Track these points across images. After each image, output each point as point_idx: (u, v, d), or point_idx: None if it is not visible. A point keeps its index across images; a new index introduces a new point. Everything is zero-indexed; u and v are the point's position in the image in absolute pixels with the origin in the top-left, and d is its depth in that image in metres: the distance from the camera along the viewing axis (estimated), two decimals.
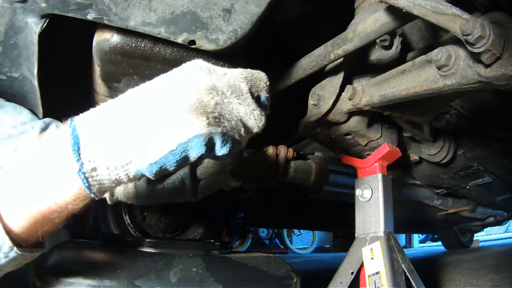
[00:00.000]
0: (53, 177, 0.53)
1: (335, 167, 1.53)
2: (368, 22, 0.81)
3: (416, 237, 7.67)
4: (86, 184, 0.52)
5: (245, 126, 0.56)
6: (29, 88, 0.85)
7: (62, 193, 0.53)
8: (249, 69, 0.60)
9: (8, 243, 0.53)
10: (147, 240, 1.04)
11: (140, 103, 0.54)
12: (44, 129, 0.83)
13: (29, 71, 0.82)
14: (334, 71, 1.03)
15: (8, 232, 0.53)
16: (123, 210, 1.78)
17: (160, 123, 0.51)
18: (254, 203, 2.10)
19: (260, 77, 0.60)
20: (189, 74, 0.55)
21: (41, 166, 0.53)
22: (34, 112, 0.88)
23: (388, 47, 0.97)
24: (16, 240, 0.54)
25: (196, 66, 0.57)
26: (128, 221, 1.79)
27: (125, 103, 0.55)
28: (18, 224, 0.54)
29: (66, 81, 1.02)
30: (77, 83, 0.97)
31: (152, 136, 0.51)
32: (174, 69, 0.58)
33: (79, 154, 0.51)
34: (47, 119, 0.86)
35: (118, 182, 0.54)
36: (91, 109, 0.56)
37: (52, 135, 0.55)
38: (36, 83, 0.82)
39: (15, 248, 0.53)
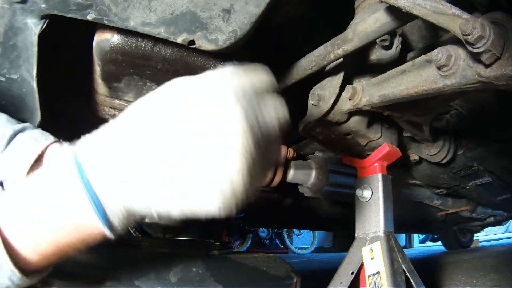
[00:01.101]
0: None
1: (335, 167, 1.53)
2: (368, 22, 0.81)
3: (416, 237, 7.67)
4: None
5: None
6: (27, 90, 0.85)
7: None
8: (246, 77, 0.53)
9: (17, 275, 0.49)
10: (147, 240, 1.04)
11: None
12: (11, 138, 0.76)
13: (28, 72, 0.82)
14: (334, 71, 1.03)
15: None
16: None
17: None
18: (254, 203, 2.10)
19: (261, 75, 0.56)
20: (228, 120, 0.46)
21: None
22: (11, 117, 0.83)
23: (388, 47, 0.97)
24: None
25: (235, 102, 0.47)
26: None
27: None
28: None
29: (66, 80, 1.02)
30: (77, 82, 0.97)
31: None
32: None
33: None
34: (17, 127, 0.79)
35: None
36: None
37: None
38: (35, 84, 0.81)
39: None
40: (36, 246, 0.49)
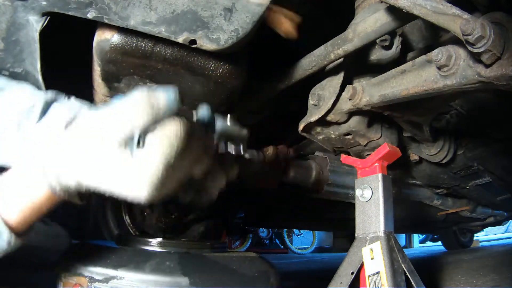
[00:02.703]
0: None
1: (335, 167, 1.53)
2: (368, 22, 0.81)
3: (416, 237, 7.67)
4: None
5: None
6: (33, 83, 0.85)
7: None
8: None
9: (13, 237, 0.65)
10: (146, 239, 1.10)
11: None
12: (44, 111, 0.75)
13: (32, 66, 0.82)
14: (334, 71, 1.03)
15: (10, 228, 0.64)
16: (123, 210, 1.79)
17: None
18: (254, 203, 2.11)
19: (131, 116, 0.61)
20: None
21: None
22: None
23: (388, 47, 0.97)
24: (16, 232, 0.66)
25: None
26: (128, 221, 1.79)
27: None
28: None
29: (67, 78, 1.02)
30: (78, 80, 0.97)
31: None
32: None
33: None
34: (49, 96, 0.77)
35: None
36: None
37: None
38: (40, 77, 0.82)
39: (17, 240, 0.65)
40: (21, 216, 0.66)
